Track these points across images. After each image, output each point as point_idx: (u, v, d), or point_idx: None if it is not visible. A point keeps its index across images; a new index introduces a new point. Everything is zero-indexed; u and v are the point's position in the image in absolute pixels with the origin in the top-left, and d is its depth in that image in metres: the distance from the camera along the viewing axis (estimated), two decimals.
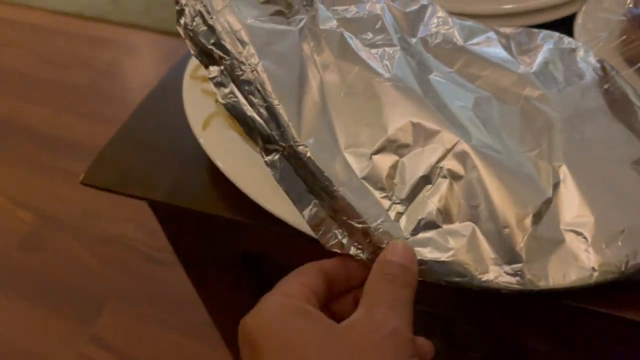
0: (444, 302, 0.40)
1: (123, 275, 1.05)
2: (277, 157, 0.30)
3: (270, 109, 0.30)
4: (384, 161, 0.30)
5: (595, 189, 0.31)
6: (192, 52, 0.31)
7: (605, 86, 0.36)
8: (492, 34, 0.37)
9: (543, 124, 0.32)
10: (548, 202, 0.30)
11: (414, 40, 0.35)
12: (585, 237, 0.29)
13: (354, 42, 0.33)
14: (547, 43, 0.37)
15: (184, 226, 0.46)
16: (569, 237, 0.29)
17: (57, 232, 1.12)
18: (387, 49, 0.33)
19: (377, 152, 0.30)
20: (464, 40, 0.36)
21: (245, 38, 0.30)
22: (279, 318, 0.25)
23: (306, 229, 0.33)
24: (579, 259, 0.29)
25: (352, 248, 0.29)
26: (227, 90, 0.30)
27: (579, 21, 0.43)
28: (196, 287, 0.54)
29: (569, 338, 0.38)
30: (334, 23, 0.34)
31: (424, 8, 0.37)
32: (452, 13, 0.45)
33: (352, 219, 0.28)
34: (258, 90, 0.30)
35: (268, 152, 0.30)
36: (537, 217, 0.29)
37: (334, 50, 0.32)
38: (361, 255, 0.28)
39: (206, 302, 0.57)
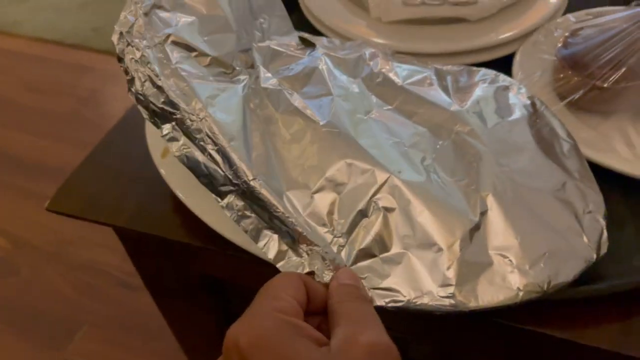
0: (397, 324, 0.43)
1: (96, 301, 1.05)
2: (232, 198, 0.32)
3: (221, 151, 0.32)
4: (324, 199, 0.32)
5: (519, 215, 0.33)
6: (144, 116, 0.34)
7: (534, 121, 0.39)
8: (430, 73, 0.40)
9: (472, 156, 0.35)
10: (476, 229, 0.32)
11: (357, 81, 0.38)
12: (510, 260, 0.32)
13: (294, 97, 0.36)
14: (483, 81, 0.41)
15: (148, 251, 0.48)
16: (497, 260, 0.32)
17: (30, 258, 1.12)
18: (324, 99, 0.37)
19: (317, 191, 0.33)
20: (403, 80, 0.39)
21: (192, 93, 0.34)
22: (275, 335, 0.25)
23: (260, 253, 0.35)
24: (506, 280, 0.31)
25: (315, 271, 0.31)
26: (179, 143, 0.33)
27: (517, 59, 0.46)
28: (162, 311, 0.56)
29: (510, 356, 0.41)
30: (275, 81, 0.37)
31: (365, 53, 0.41)
32: (401, 52, 0.48)
33: (311, 245, 0.31)
34: (208, 136, 0.33)
35: (223, 195, 0.32)
36: (466, 243, 0.32)
37: (275, 106, 0.36)
38: (322, 277, 0.30)
39: (172, 326, 0.58)
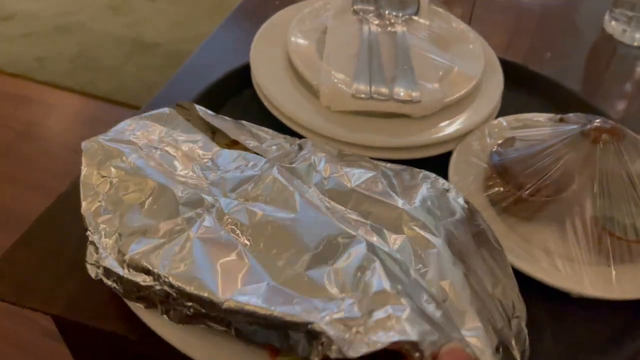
0: None
1: (18, 351, 0.99)
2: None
3: (191, 297, 0.33)
4: (319, 275, 0.33)
5: (474, 307, 0.35)
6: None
7: (471, 224, 0.41)
8: (378, 175, 0.42)
9: (427, 247, 0.37)
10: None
11: (310, 188, 0.40)
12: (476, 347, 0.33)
13: (258, 209, 0.37)
14: (426, 183, 0.43)
15: (85, 338, 0.46)
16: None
17: None
18: (289, 199, 0.38)
19: (309, 268, 0.33)
20: (353, 182, 0.41)
21: (147, 265, 0.35)
22: None
23: (191, 352, 0.35)
24: None
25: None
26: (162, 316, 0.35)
27: (453, 159, 0.50)
28: None
29: None
30: (237, 204, 0.38)
31: (314, 160, 0.43)
32: (346, 142, 0.50)
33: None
34: (178, 293, 0.34)
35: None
36: None
37: (244, 222, 0.37)
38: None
39: None
